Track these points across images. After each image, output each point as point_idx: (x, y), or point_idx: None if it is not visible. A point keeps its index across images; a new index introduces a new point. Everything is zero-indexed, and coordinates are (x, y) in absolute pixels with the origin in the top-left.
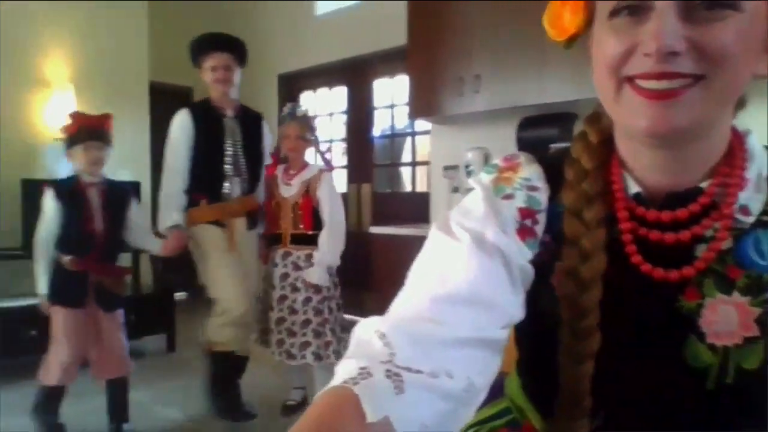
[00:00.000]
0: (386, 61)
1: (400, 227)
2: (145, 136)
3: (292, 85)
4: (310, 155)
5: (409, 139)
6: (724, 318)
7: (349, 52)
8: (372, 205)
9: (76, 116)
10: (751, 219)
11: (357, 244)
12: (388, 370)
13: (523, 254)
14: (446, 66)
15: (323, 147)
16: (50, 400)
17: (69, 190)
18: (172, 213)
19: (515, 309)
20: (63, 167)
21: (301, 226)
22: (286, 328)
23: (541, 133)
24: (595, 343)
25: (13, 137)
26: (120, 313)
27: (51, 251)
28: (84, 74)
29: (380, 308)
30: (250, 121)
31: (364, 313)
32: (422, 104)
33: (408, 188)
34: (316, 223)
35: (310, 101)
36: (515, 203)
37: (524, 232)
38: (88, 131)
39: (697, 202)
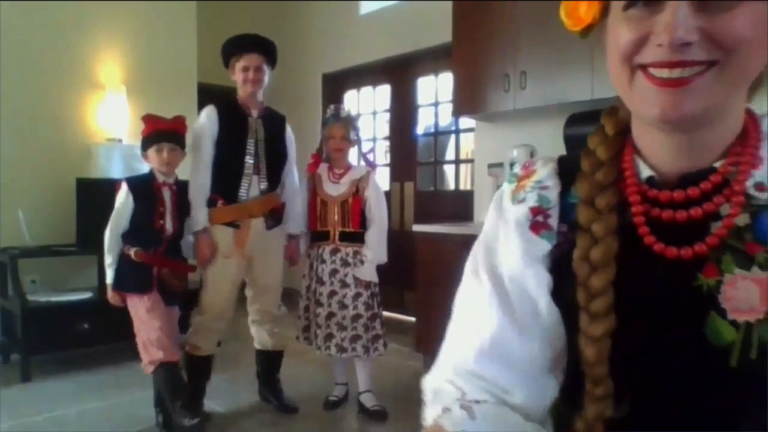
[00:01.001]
0: (430, 59)
1: (443, 226)
2: None
3: (336, 85)
4: (351, 155)
5: (452, 137)
6: (744, 293)
7: (392, 51)
8: (415, 204)
9: (148, 119)
10: (767, 195)
11: (399, 243)
12: (461, 405)
13: (540, 247)
14: (491, 63)
15: (366, 147)
16: (172, 382)
17: (144, 187)
18: (202, 212)
19: (535, 353)
20: (115, 167)
21: (350, 224)
22: (336, 322)
23: (590, 130)
24: (609, 324)
25: (69, 138)
26: (176, 310)
27: (119, 243)
28: (135, 76)
29: (422, 307)
30: (275, 122)
31: (406, 311)
32: (466, 102)
33: (451, 186)
34: (363, 222)
35: (353, 100)
36: (527, 204)
37: (537, 226)
38: (160, 133)
39: (709, 180)
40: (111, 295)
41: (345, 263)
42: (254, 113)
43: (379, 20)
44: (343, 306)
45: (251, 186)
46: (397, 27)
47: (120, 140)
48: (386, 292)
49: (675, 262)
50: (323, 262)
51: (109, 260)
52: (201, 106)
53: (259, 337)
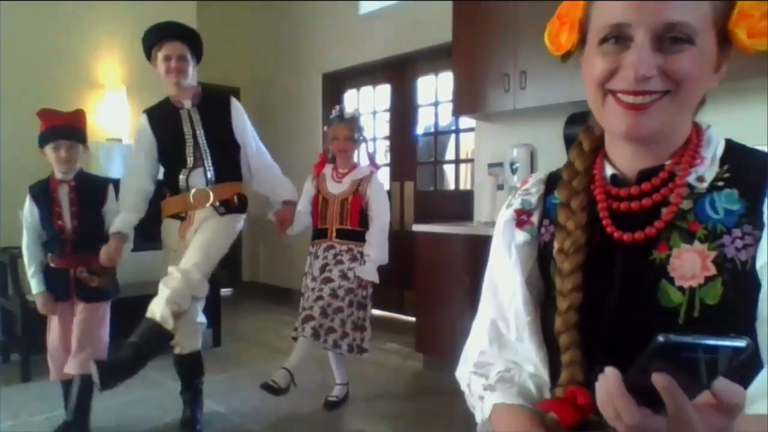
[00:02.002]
0: (430, 59)
1: (443, 225)
2: None
3: (336, 85)
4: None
5: (452, 137)
6: (689, 263)
7: (392, 51)
8: (415, 204)
9: (44, 114)
10: (705, 185)
11: (399, 243)
12: (484, 386)
13: (522, 237)
14: (492, 62)
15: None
16: (68, 396)
17: (42, 190)
18: (119, 217)
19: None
20: (115, 166)
21: (348, 222)
22: (320, 306)
23: None
24: (575, 299)
25: None
26: (101, 306)
27: (38, 252)
28: (135, 76)
29: (422, 307)
30: (214, 107)
31: (406, 311)
32: (467, 101)
33: (451, 186)
34: (362, 221)
35: (353, 100)
36: (513, 208)
37: (521, 223)
38: (58, 130)
39: (658, 176)
40: (41, 304)
41: (337, 261)
42: (186, 104)
43: (379, 20)
44: (334, 295)
45: (191, 177)
46: (397, 27)
47: (120, 140)
48: (386, 292)
49: (632, 244)
50: (316, 257)
51: (30, 270)
52: None
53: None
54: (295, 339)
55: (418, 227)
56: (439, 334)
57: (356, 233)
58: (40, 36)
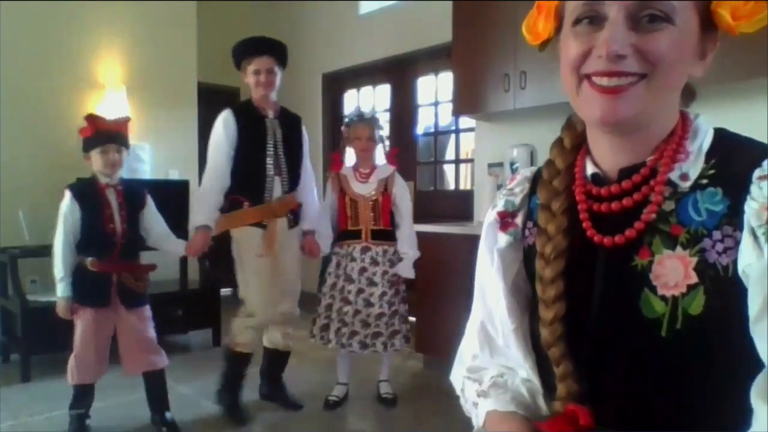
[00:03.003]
0: (430, 59)
1: (443, 225)
2: (194, 136)
3: (336, 85)
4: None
5: (452, 137)
6: (671, 270)
7: (392, 51)
8: (415, 204)
9: (91, 119)
10: (689, 184)
11: None
12: (478, 393)
13: (505, 240)
14: (491, 63)
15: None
16: (82, 398)
17: (88, 192)
18: (204, 212)
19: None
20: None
21: (381, 222)
22: (360, 320)
23: None
24: (559, 309)
25: (69, 138)
26: (146, 309)
27: (73, 254)
28: (135, 75)
29: (422, 307)
30: (290, 123)
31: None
32: (466, 101)
33: (451, 186)
34: (392, 220)
35: (353, 100)
36: (497, 209)
37: (505, 225)
38: (104, 135)
39: (639, 173)
40: (62, 309)
41: (374, 262)
42: (270, 114)
43: (379, 20)
44: (368, 304)
45: (274, 187)
46: (397, 27)
47: None
48: None
49: (613, 249)
50: (353, 260)
51: (61, 273)
52: (201, 105)
53: (270, 336)
54: (313, 338)
55: (418, 227)
56: (439, 334)
57: (388, 233)
58: (40, 36)
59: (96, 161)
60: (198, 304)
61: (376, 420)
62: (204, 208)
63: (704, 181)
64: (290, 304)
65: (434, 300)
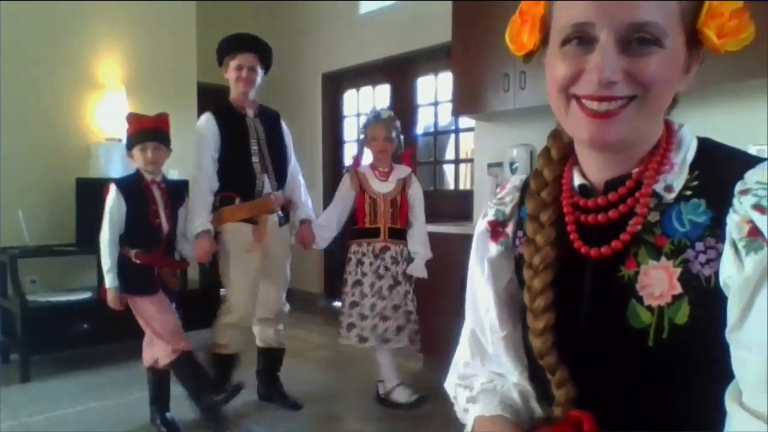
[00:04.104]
0: (429, 59)
1: (443, 225)
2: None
3: (336, 84)
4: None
5: (452, 137)
6: (656, 281)
7: (392, 51)
8: None
9: (132, 118)
10: (673, 195)
11: None
12: (468, 399)
13: (496, 250)
14: (491, 63)
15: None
16: (191, 364)
17: (134, 187)
18: (200, 217)
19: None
20: (115, 166)
21: (398, 221)
22: (403, 312)
23: None
24: (549, 319)
25: (69, 138)
26: (173, 306)
27: (115, 248)
28: (135, 76)
29: (421, 307)
30: (271, 120)
31: None
32: (466, 101)
33: (451, 186)
34: (407, 220)
35: (353, 100)
36: (487, 219)
37: (496, 235)
38: (144, 132)
39: (625, 185)
40: (112, 299)
41: (395, 261)
42: (250, 113)
43: (379, 20)
44: (405, 296)
45: (264, 185)
46: (397, 27)
47: (120, 140)
48: None
49: (600, 260)
50: (376, 257)
51: (108, 264)
52: (201, 105)
53: (263, 334)
54: (341, 336)
55: None
56: (439, 334)
57: (404, 232)
58: (40, 36)
59: (138, 158)
60: (198, 305)
61: (376, 420)
62: (198, 213)
63: (688, 193)
64: (279, 300)
65: (434, 300)
